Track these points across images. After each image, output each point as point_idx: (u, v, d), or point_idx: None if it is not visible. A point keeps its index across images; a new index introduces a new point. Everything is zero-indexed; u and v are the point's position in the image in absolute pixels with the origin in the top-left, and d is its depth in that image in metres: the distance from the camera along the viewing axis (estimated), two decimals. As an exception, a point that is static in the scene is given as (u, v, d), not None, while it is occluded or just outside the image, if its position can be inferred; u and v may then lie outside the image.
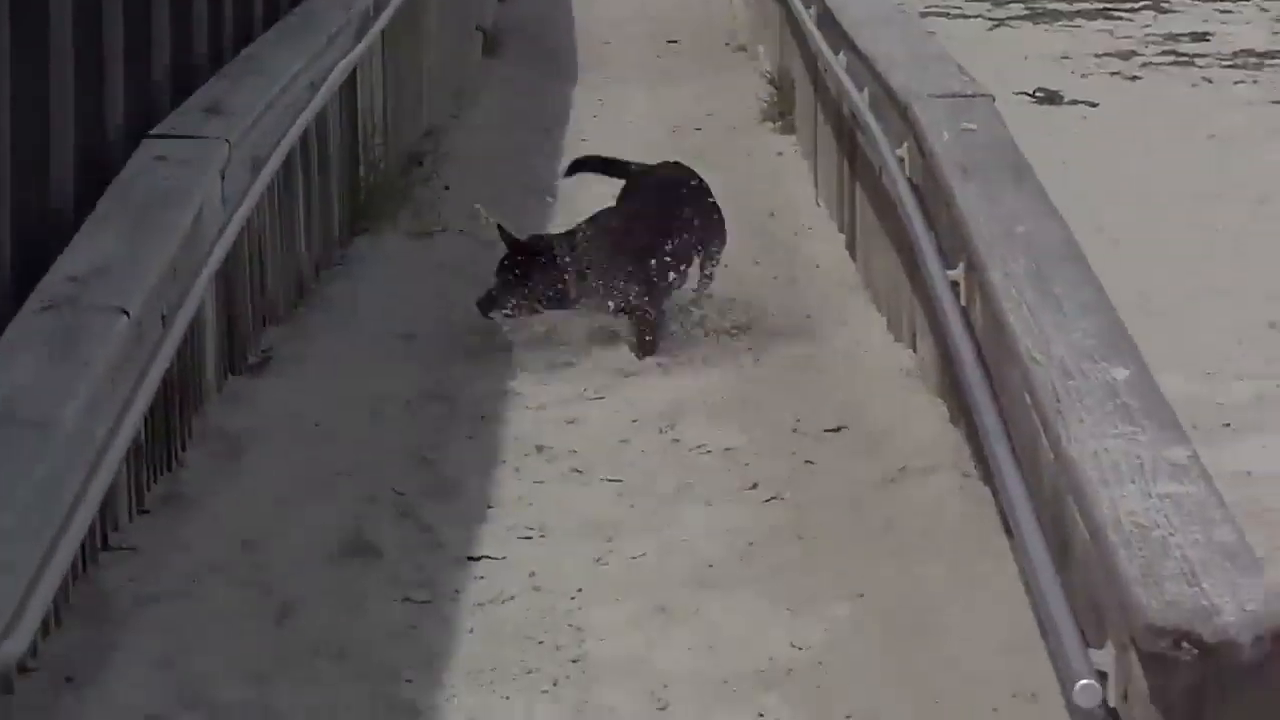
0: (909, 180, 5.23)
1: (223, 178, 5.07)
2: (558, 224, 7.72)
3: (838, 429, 5.21)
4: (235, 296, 5.35)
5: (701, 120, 10.44)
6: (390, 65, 8.35)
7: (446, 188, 8.43)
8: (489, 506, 4.79)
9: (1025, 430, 3.73)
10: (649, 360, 5.81)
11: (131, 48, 5.62)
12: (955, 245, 4.59)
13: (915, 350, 5.63)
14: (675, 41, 13.05)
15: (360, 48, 7.21)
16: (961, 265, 4.49)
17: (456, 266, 7.10)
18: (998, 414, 3.80)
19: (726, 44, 12.84)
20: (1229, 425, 5.93)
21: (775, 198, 8.42)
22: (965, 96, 5.28)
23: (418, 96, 9.36)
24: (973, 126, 4.97)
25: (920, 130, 5.13)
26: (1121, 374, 3.48)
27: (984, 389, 3.93)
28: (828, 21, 7.54)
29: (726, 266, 6.36)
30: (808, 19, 8.05)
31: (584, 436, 5.30)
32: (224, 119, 5.37)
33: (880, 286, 6.37)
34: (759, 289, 6.85)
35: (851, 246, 7.21)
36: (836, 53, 7.06)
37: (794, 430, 5.24)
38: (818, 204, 8.37)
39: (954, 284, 4.48)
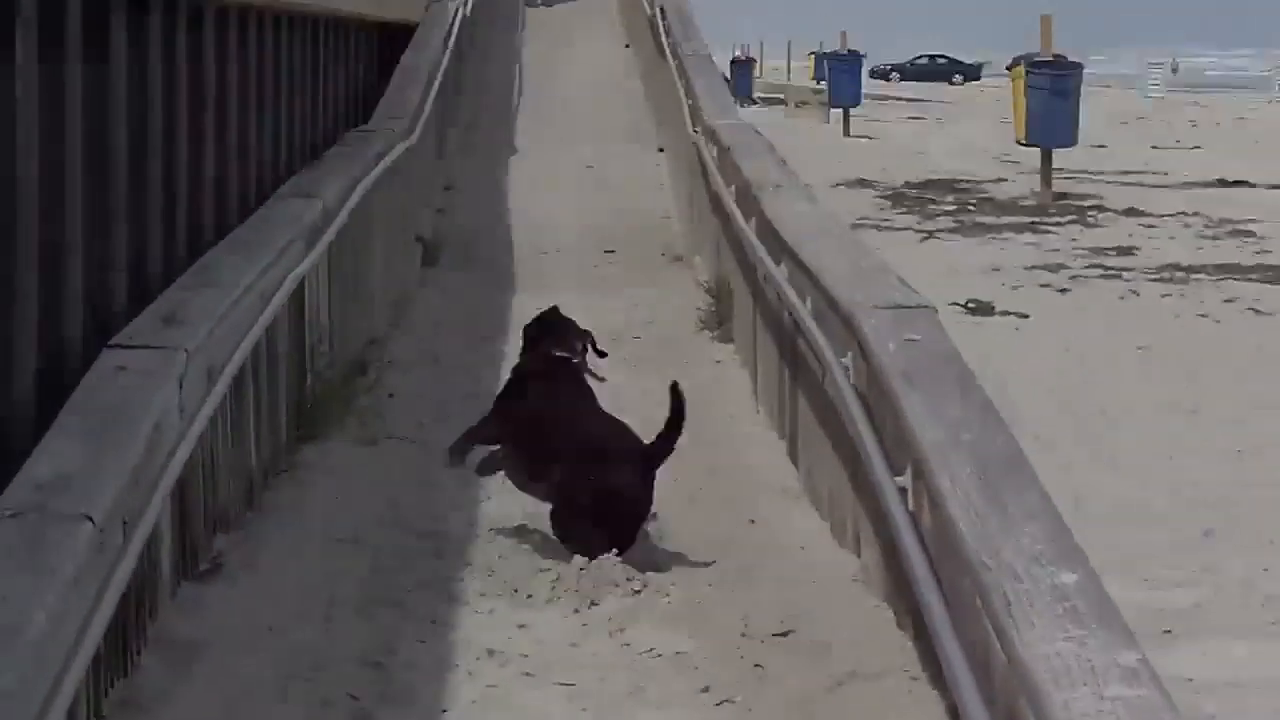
0: (854, 388, 5.41)
1: (180, 387, 5.18)
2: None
3: (786, 634, 5.30)
4: (189, 504, 5.43)
5: (640, 329, 10.65)
6: (335, 275, 8.53)
7: (390, 395, 8.58)
8: (444, 710, 4.83)
9: (976, 633, 3.85)
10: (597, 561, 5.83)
11: (90, 258, 5.79)
12: (901, 452, 4.75)
13: (860, 555, 5.76)
14: (612, 251, 13.33)
15: (309, 260, 7.39)
16: (909, 472, 4.64)
17: (402, 473, 7.22)
18: (949, 618, 3.92)
19: (663, 254, 13.14)
20: (1169, 631, 6.08)
21: (714, 405, 8.60)
22: (908, 308, 5.49)
23: (361, 306, 9.54)
24: (916, 337, 5.17)
25: (865, 340, 5.33)
26: (1070, 578, 3.60)
27: (935, 593, 4.05)
28: (768, 234, 7.80)
29: (666, 464, 6.30)
30: (748, 231, 8.31)
31: (534, 640, 5.36)
32: (181, 328, 5.50)
33: (823, 492, 6.51)
34: (701, 494, 7.00)
35: (793, 453, 7.37)
36: (778, 264, 7.30)
37: (743, 635, 5.32)
38: (757, 410, 8.56)
39: (901, 490, 4.62)
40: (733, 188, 9.62)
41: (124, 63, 6.48)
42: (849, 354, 5.66)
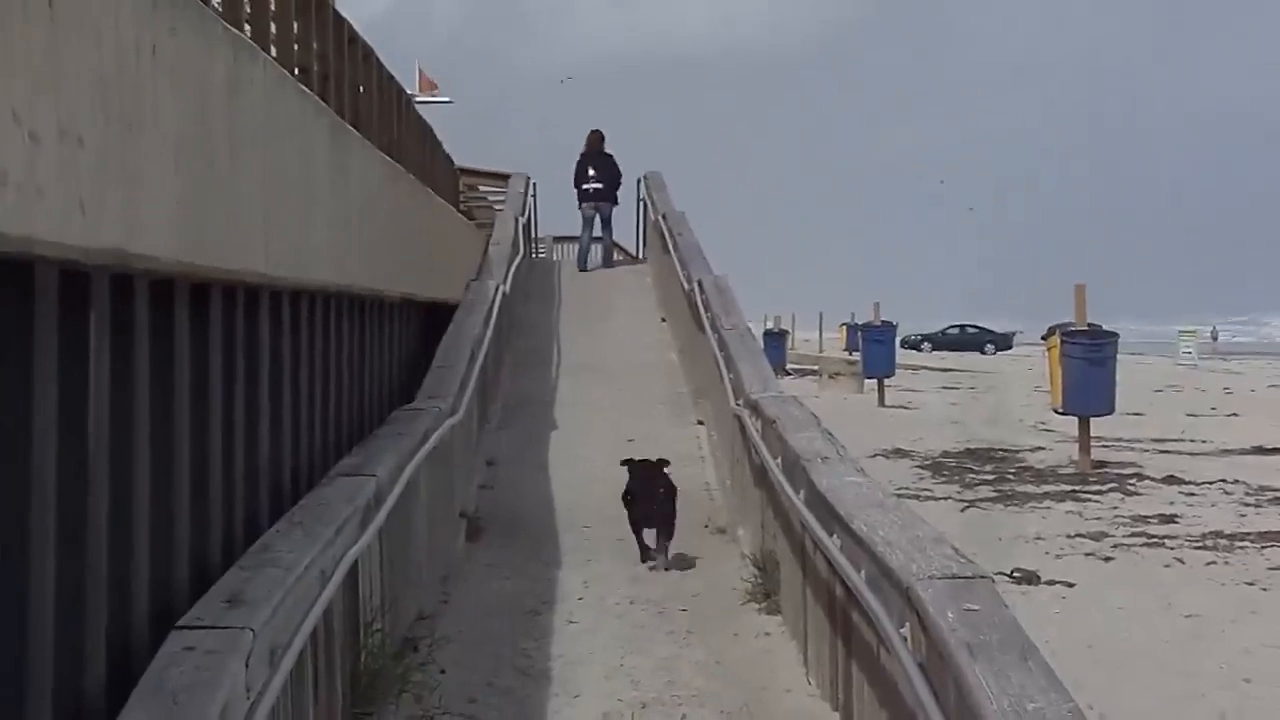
0: (915, 659, 5.45)
1: (247, 666, 5.27)
2: (553, 709, 7.90)
3: None
4: (249, 785, 5.46)
5: (686, 600, 10.68)
6: (386, 553, 8.65)
7: (443, 671, 8.61)
8: None
9: None
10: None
11: (156, 544, 5.94)
12: (965, 723, 4.78)
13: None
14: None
15: (365, 538, 7.52)
16: (973, 744, 4.66)
17: (457, 751, 7.23)
18: None
19: (705, 526, 13.20)
20: None
21: (765, 678, 8.60)
22: (965, 578, 5.57)
23: (410, 582, 9.63)
24: (975, 607, 5.24)
25: (924, 610, 5.40)
26: None
27: None
28: (818, 505, 7.91)
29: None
30: (798, 502, 8.42)
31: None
32: (245, 609, 5.61)
33: (883, 766, 6.49)
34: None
35: (849, 727, 7.35)
36: (830, 534, 7.39)
37: None
38: (809, 682, 8.55)
39: (966, 762, 4.65)
40: (778, 459, 9.75)
41: (187, 347, 6.72)
42: (906, 624, 5.72)
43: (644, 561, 11.66)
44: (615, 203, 25.61)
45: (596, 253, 26.43)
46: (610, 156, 25.51)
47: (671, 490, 11.70)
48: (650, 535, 11.64)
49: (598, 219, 25.64)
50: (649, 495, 11.60)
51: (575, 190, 25.46)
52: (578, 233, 26.39)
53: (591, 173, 25.31)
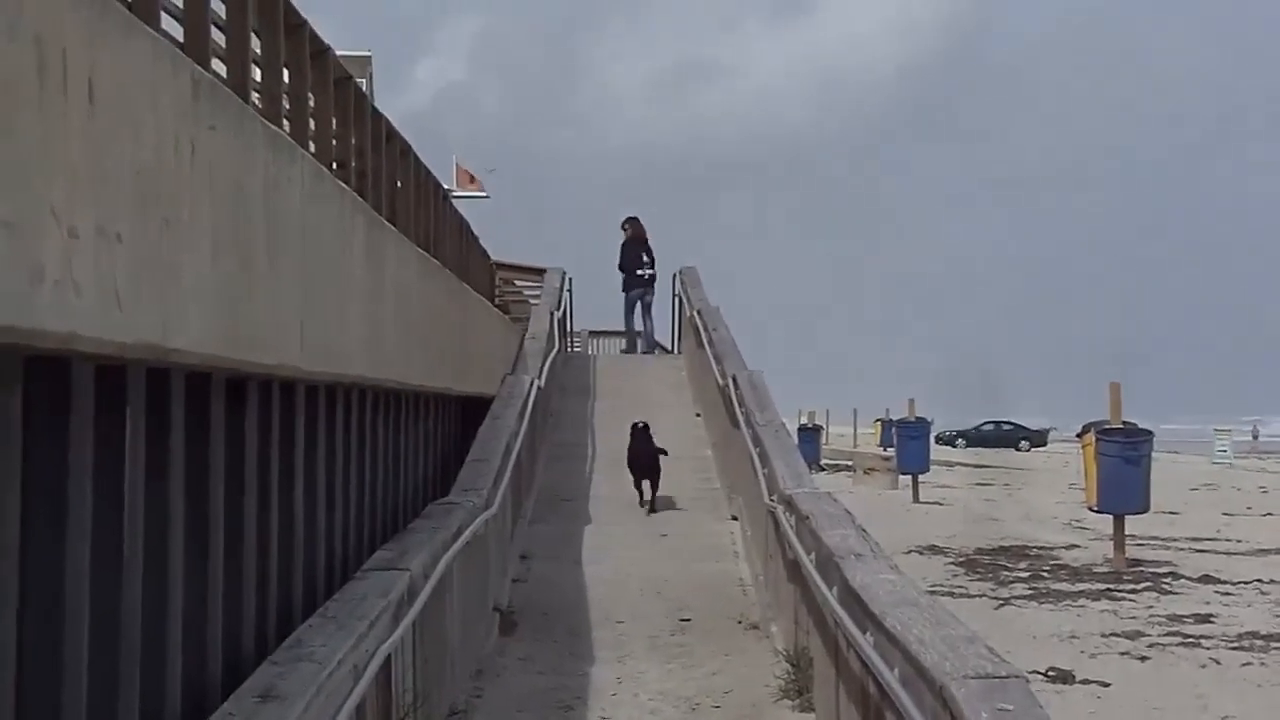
0: (948, 761, 5.37)
1: (278, 762, 5.22)
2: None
3: None
4: None
5: (719, 697, 10.59)
6: (419, 647, 8.60)
7: (474, 768, 8.53)
8: None
9: None
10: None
11: (189, 638, 5.92)
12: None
13: None
14: (688, 620, 13.32)
15: (398, 633, 7.48)
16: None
17: None
18: None
19: (739, 621, 13.11)
20: None
21: (800, 777, 8.50)
22: (999, 677, 5.49)
23: (442, 677, 9.57)
24: (1009, 707, 5.16)
25: (958, 709, 5.33)
26: None
27: None
28: (852, 602, 7.84)
29: None
30: (831, 599, 8.35)
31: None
32: (277, 704, 5.56)
33: None
34: None
35: (883, 827, 7.24)
36: (863, 632, 7.32)
37: None
38: (843, 782, 8.44)
39: None
40: (812, 555, 9.69)
41: (222, 441, 6.73)
42: (941, 725, 5.64)
43: (641, 506, 16.96)
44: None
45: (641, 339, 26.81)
46: (648, 243, 25.99)
47: (659, 454, 17.32)
48: (645, 489, 17.07)
49: (640, 306, 26.02)
50: (646, 459, 17.15)
51: (624, 275, 25.79)
52: (613, 327, 26.66)
53: (645, 259, 25.72)
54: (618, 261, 26.46)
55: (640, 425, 17.48)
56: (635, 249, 25.89)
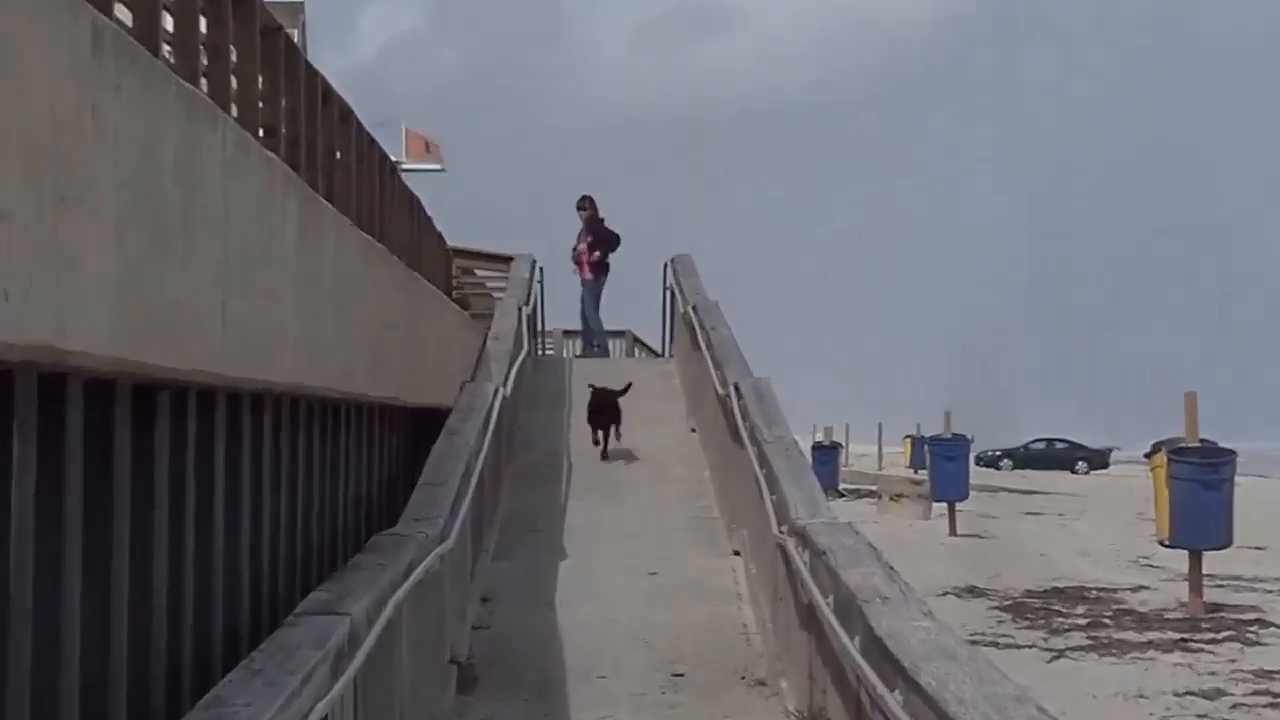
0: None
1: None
2: None
3: None
4: None
5: (722, 771, 10.61)
6: (361, 706, 8.60)
7: None
8: None
9: None
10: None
11: (86, 696, 5.92)
12: None
13: None
14: (681, 675, 13.33)
15: (337, 688, 7.47)
16: None
17: None
18: None
19: (742, 677, 13.12)
20: None
21: None
22: (1053, 745, 5.51)
23: (389, 742, 9.57)
24: (1066, 781, 5.18)
25: (1004, 785, 5.35)
26: None
27: None
28: (877, 654, 7.86)
29: None
30: (852, 650, 8.36)
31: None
32: (191, 772, 5.57)
33: None
34: None
35: None
36: (891, 689, 7.34)
37: None
38: None
39: None
40: (830, 598, 9.71)
41: (129, 462, 6.73)
42: (984, 801, 5.65)
43: (596, 445, 20.30)
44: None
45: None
46: (600, 221, 26.93)
47: (624, 392, 20.74)
48: (602, 439, 20.29)
49: (587, 298, 27.10)
50: (607, 409, 20.38)
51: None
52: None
53: (589, 243, 26.72)
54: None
55: (601, 389, 20.80)
56: (583, 233, 27.03)
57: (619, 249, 27.24)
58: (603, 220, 27.19)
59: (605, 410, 20.51)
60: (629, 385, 21.06)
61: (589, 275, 27.13)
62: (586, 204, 27.33)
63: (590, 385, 20.85)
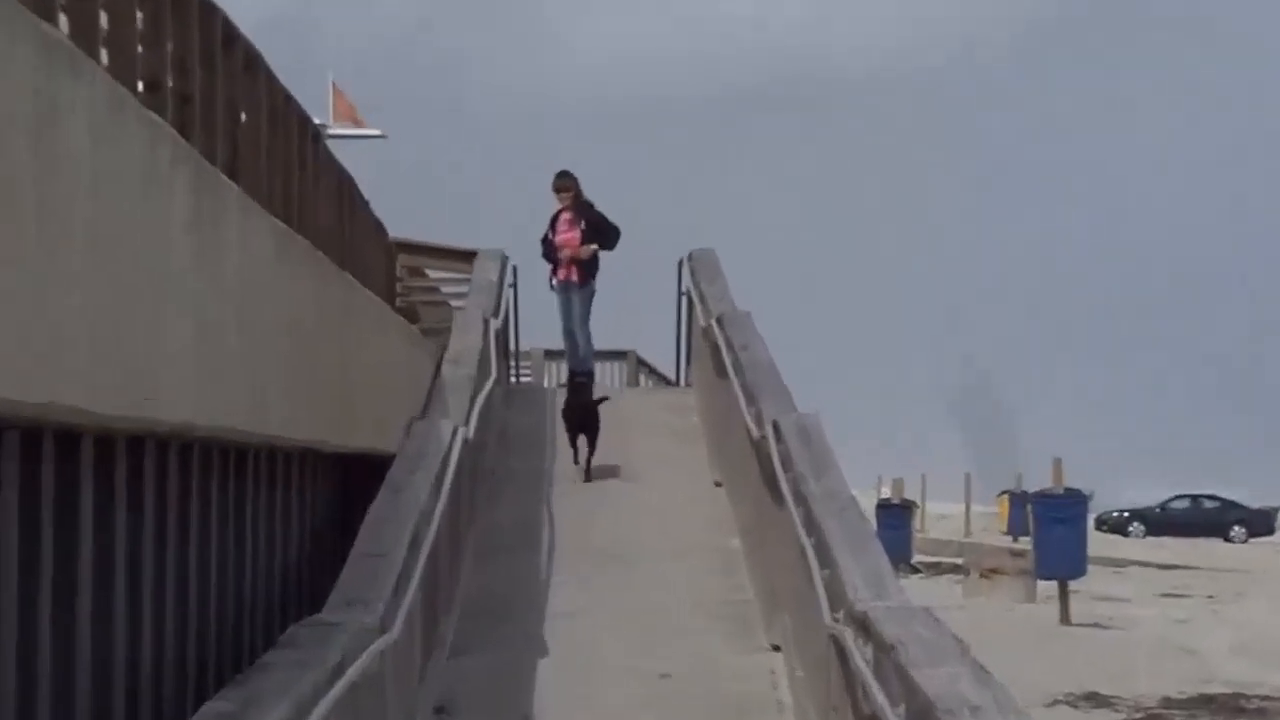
0: None
1: None
2: None
3: None
4: None
5: None
6: None
7: None
8: None
9: None
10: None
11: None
12: None
13: None
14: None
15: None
16: None
17: None
18: None
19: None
20: None
21: None
22: None
23: None
24: None
25: None
26: None
27: None
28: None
29: None
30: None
31: None
32: None
33: None
34: None
35: None
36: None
37: None
38: None
39: None
40: (901, 708, 9.72)
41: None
42: None
43: (576, 463, 22.40)
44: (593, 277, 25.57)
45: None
46: (588, 210, 25.27)
47: (600, 403, 23.12)
48: (582, 444, 22.43)
49: (571, 307, 25.38)
50: (584, 412, 22.72)
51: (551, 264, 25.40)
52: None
53: (576, 233, 25.13)
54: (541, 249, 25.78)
55: (582, 379, 24.03)
56: (568, 220, 25.34)
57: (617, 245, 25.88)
58: (592, 205, 25.60)
59: (580, 413, 23.02)
60: (605, 398, 23.77)
61: (575, 278, 25.67)
62: (569, 181, 25.64)
63: (570, 373, 24.37)
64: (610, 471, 22.54)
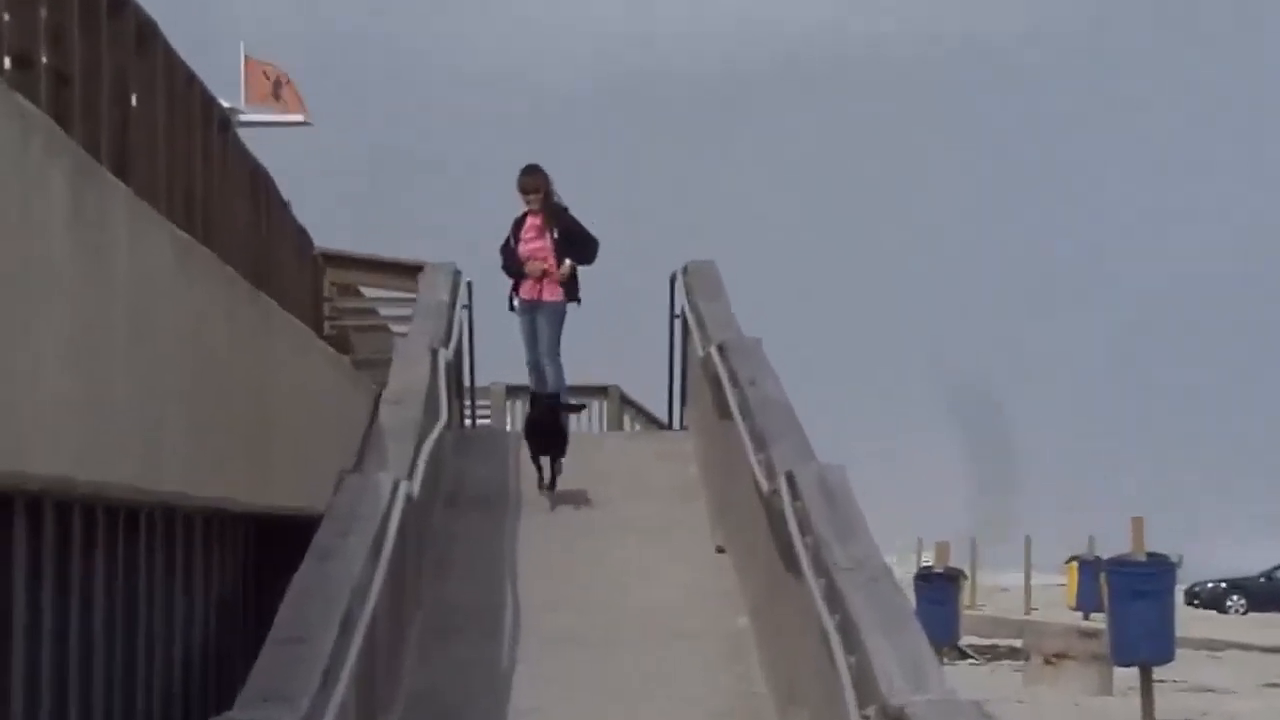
0: None
1: None
2: None
3: None
4: None
5: None
6: None
7: None
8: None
9: None
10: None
11: None
12: None
13: None
14: None
15: None
16: None
17: None
18: None
19: None
20: None
21: None
22: None
23: None
24: None
25: None
26: None
27: None
28: None
29: None
30: None
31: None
32: None
33: None
34: None
35: None
36: None
37: None
38: None
39: None
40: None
41: None
42: None
43: (540, 488, 23.74)
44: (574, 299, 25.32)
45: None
46: (564, 210, 25.03)
47: (565, 415, 25.08)
48: (545, 465, 23.81)
49: (535, 333, 25.06)
50: (550, 424, 24.13)
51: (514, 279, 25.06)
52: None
53: (547, 243, 24.88)
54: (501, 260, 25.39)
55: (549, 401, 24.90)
56: (536, 227, 25.08)
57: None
58: (566, 209, 25.30)
59: (544, 427, 24.38)
60: (581, 405, 27.14)
61: (549, 296, 25.40)
62: (538, 179, 25.20)
63: (534, 395, 25.23)
64: (590, 532, 22.55)
